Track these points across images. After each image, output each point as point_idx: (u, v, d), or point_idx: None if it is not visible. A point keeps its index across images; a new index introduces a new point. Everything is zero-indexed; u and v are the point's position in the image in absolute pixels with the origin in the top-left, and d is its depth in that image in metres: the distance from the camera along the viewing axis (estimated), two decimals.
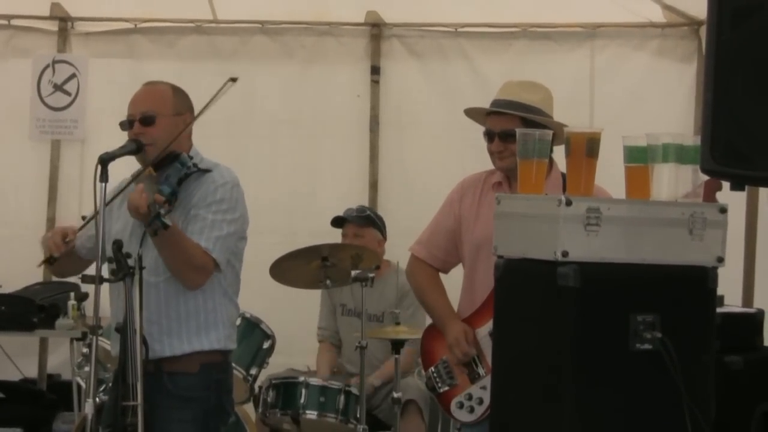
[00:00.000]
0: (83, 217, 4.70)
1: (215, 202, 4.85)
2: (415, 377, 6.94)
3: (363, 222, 7.44)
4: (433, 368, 5.13)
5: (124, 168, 4.83)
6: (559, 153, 4.46)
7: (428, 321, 5.48)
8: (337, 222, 7.46)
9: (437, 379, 5.11)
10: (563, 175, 4.69)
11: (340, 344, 7.55)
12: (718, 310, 4.56)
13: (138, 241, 4.64)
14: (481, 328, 4.93)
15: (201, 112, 4.78)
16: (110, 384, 4.90)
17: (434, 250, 5.31)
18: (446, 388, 5.07)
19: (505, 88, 5.14)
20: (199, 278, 4.81)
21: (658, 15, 8.07)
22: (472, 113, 5.26)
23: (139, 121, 4.85)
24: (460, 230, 5.19)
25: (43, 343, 8.80)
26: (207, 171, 4.88)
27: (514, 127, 4.76)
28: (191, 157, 4.83)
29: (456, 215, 5.23)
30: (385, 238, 7.50)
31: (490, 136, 5.09)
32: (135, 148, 4.78)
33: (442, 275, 5.37)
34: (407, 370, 7.04)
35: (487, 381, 4.82)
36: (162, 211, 4.47)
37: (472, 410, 4.93)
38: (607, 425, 3.80)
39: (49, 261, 4.80)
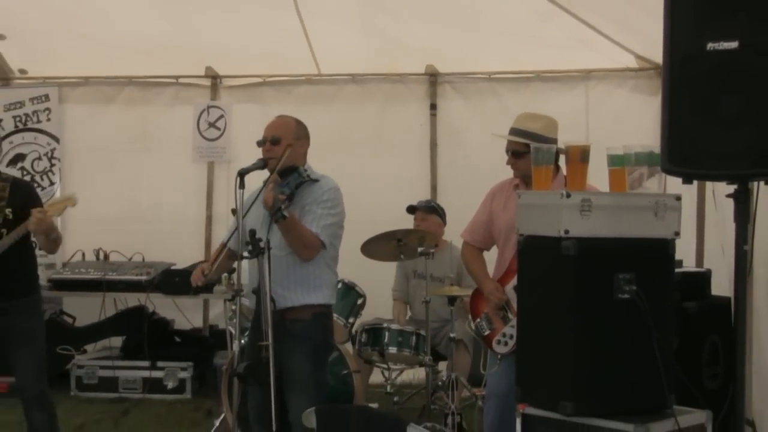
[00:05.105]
0: (232, 210, 4.75)
1: (323, 201, 4.91)
2: (464, 324, 6.93)
3: (428, 210, 7.46)
4: (478, 319, 5.13)
5: (258, 179, 4.88)
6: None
7: None
8: (410, 209, 7.50)
9: (482, 327, 5.10)
10: (566, 178, 4.68)
11: (408, 301, 7.57)
12: (677, 269, 4.54)
13: (267, 229, 4.70)
14: (508, 285, 4.93)
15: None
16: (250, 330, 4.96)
17: (475, 235, 5.33)
18: (488, 332, 5.06)
19: (517, 118, 5.10)
20: (310, 253, 4.87)
21: (632, 63, 8.01)
22: (496, 137, 5.28)
23: (269, 141, 4.93)
24: (492, 220, 5.21)
25: (206, 303, 8.91)
26: (316, 180, 4.93)
27: (519, 149, 4.95)
28: (305, 170, 4.90)
29: (488, 211, 5.24)
30: (444, 222, 7.48)
31: (508, 153, 5.08)
32: (262, 164, 4.85)
33: (485, 253, 5.39)
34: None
35: (514, 322, 4.81)
36: (282, 206, 4.56)
37: (506, 344, 4.92)
38: (598, 352, 3.79)
39: (197, 289, 5.06)
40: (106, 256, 8.41)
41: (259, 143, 4.97)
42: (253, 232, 4.54)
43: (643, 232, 3.90)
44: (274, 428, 4.47)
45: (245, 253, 4.55)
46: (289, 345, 4.79)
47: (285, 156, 4.83)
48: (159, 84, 8.98)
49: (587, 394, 3.75)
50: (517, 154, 4.99)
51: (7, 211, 5.42)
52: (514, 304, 4.81)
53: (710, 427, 3.92)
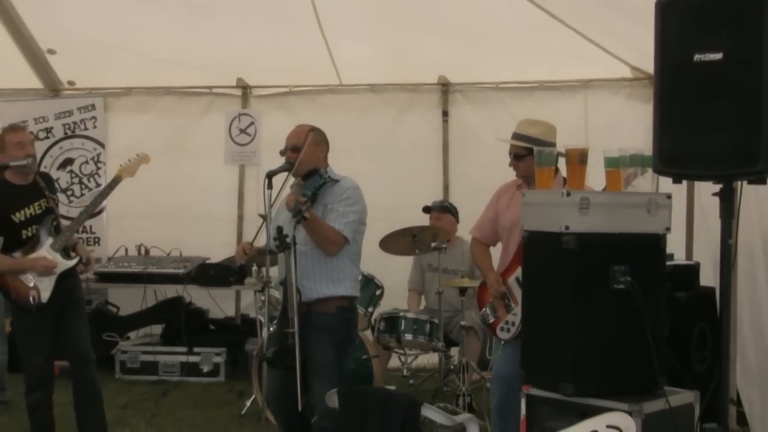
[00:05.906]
0: (260, 215, 4.76)
1: (344, 200, 4.91)
2: (473, 313, 6.96)
3: (442, 210, 7.47)
4: (484, 308, 5.14)
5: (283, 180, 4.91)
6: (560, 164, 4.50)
7: None
8: (426, 209, 7.51)
9: (487, 315, 5.11)
10: (564, 179, 4.69)
11: (423, 292, 7.58)
12: (668, 262, 4.54)
13: (293, 227, 4.72)
14: (510, 277, 4.94)
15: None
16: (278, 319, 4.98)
17: (483, 231, 5.33)
18: (493, 320, 5.06)
19: (519, 124, 5.11)
20: (334, 248, 4.88)
21: (627, 73, 7.99)
22: (500, 141, 5.29)
23: (290, 149, 4.95)
24: (497, 218, 5.21)
25: (238, 294, 8.93)
26: (337, 181, 4.94)
27: (520, 152, 4.96)
28: (326, 172, 4.92)
29: (495, 209, 5.24)
30: (457, 220, 7.48)
31: (510, 155, 5.10)
32: (289, 166, 4.85)
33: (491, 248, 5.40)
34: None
35: (516, 310, 4.84)
36: (303, 208, 4.54)
37: (509, 331, 4.93)
38: (596, 338, 3.81)
39: (243, 267, 5.02)
40: (147, 251, 8.46)
41: (282, 152, 5.01)
42: (280, 229, 4.55)
43: (637, 227, 3.91)
44: (299, 409, 4.48)
45: (273, 248, 4.56)
46: (314, 336, 4.79)
47: (303, 150, 4.81)
48: (194, 93, 9.02)
49: (586, 376, 3.77)
50: (518, 156, 5.01)
51: (52, 197, 5.59)
52: (517, 295, 4.83)
53: (698, 406, 3.93)
